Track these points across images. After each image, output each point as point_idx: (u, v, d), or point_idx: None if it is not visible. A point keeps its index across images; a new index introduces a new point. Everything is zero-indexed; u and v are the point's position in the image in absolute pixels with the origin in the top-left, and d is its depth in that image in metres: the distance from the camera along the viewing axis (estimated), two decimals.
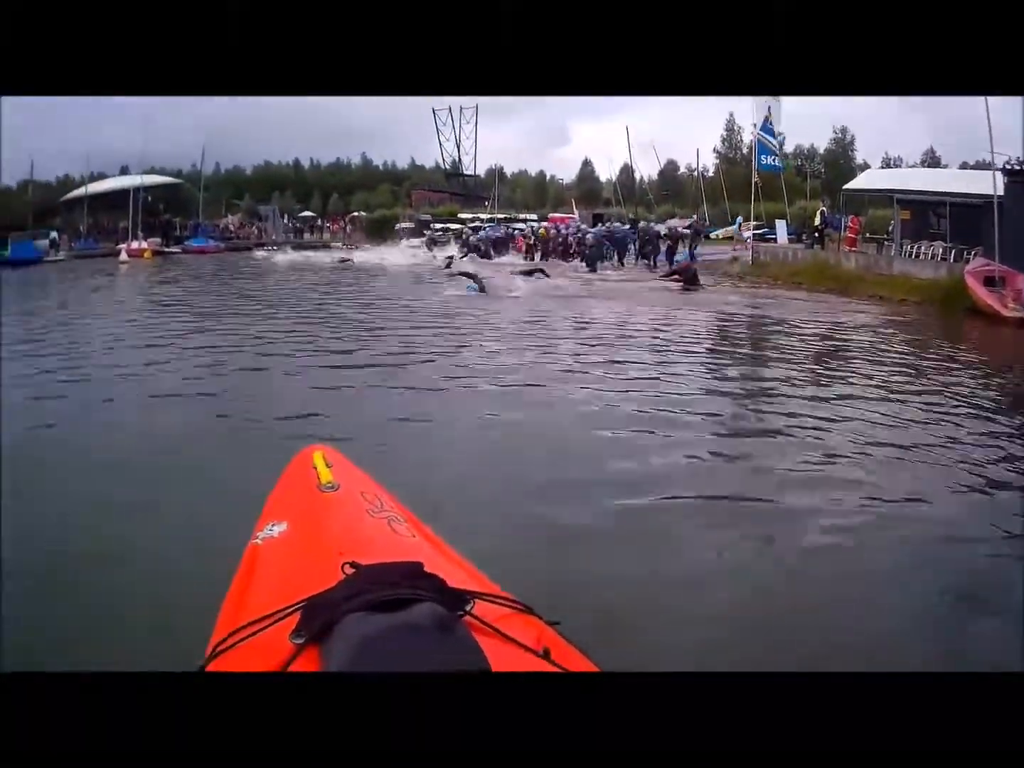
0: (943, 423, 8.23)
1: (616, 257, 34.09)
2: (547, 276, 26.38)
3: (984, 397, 9.82)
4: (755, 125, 32.54)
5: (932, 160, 56.33)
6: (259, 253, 40.57)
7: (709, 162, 67.47)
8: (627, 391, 9.50)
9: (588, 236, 34.29)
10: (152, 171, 51.51)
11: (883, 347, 13.73)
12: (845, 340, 14.51)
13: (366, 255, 38.34)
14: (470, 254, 37.34)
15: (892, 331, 15.81)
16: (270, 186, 70.39)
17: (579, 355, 12.07)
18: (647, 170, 70.73)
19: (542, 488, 5.91)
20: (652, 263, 32.26)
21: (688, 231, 35.86)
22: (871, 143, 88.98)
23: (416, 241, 45.03)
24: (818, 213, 31.57)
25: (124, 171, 55.81)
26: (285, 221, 57.48)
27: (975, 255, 21.20)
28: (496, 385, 9.77)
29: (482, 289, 20.95)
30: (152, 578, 4.31)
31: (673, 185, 68.46)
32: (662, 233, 34.80)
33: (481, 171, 71.29)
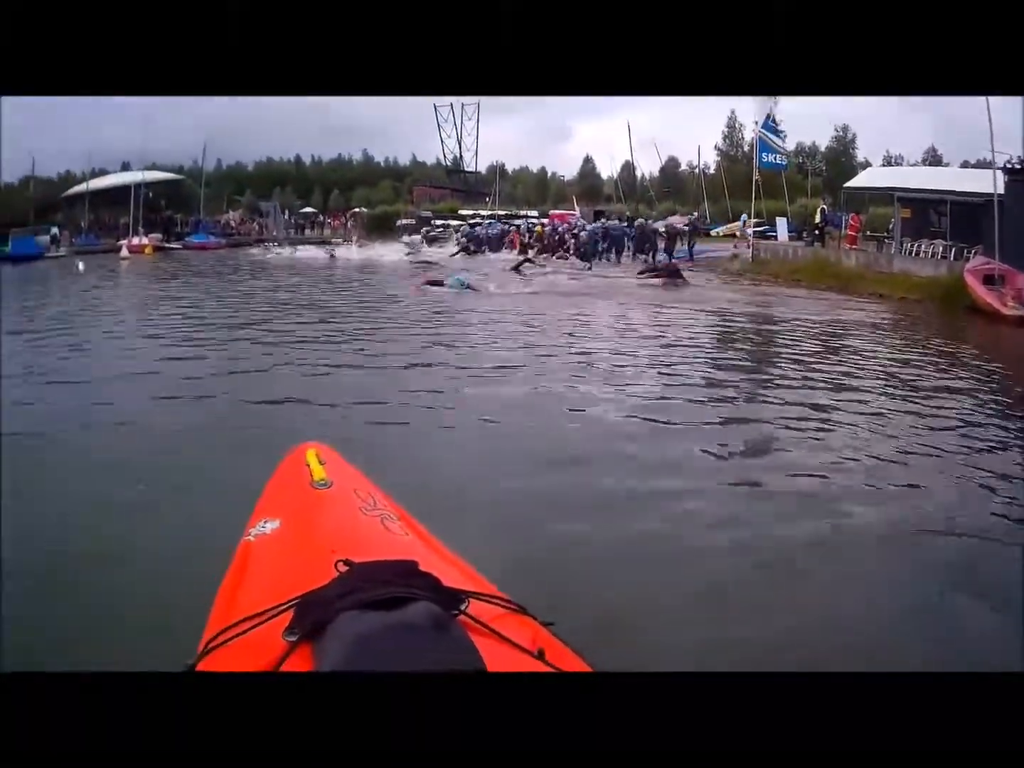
0: (943, 421, 8.25)
1: (614, 254, 34.13)
2: (534, 263, 26.61)
3: (984, 394, 9.85)
4: (756, 123, 32.59)
5: (933, 159, 56.33)
6: (253, 251, 40.49)
7: (710, 159, 67.51)
8: (622, 388, 9.51)
9: (582, 234, 34.34)
10: (153, 167, 51.52)
11: (882, 345, 13.74)
12: (844, 338, 14.51)
13: (352, 252, 38.52)
14: (462, 251, 37.83)
15: (891, 329, 15.84)
16: (271, 182, 70.34)
17: (574, 352, 12.10)
18: (648, 167, 70.92)
19: (537, 487, 5.90)
20: (652, 260, 32.23)
21: (687, 228, 35.95)
22: (872, 141, 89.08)
23: (416, 237, 45.03)
24: (819, 211, 31.62)
25: (125, 167, 55.76)
26: (286, 217, 57.45)
27: (975, 253, 21.23)
28: (480, 380, 9.84)
29: (470, 286, 20.97)
30: (143, 575, 4.30)
31: (674, 182, 68.36)
32: (660, 230, 34.84)
33: (482, 167, 71.51)
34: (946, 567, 4.82)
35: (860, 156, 63.59)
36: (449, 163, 71.73)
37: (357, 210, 61.89)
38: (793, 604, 4.35)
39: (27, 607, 3.95)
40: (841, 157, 64.08)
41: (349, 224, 57.24)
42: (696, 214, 45.00)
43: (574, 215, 49.15)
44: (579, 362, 11.21)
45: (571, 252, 33.94)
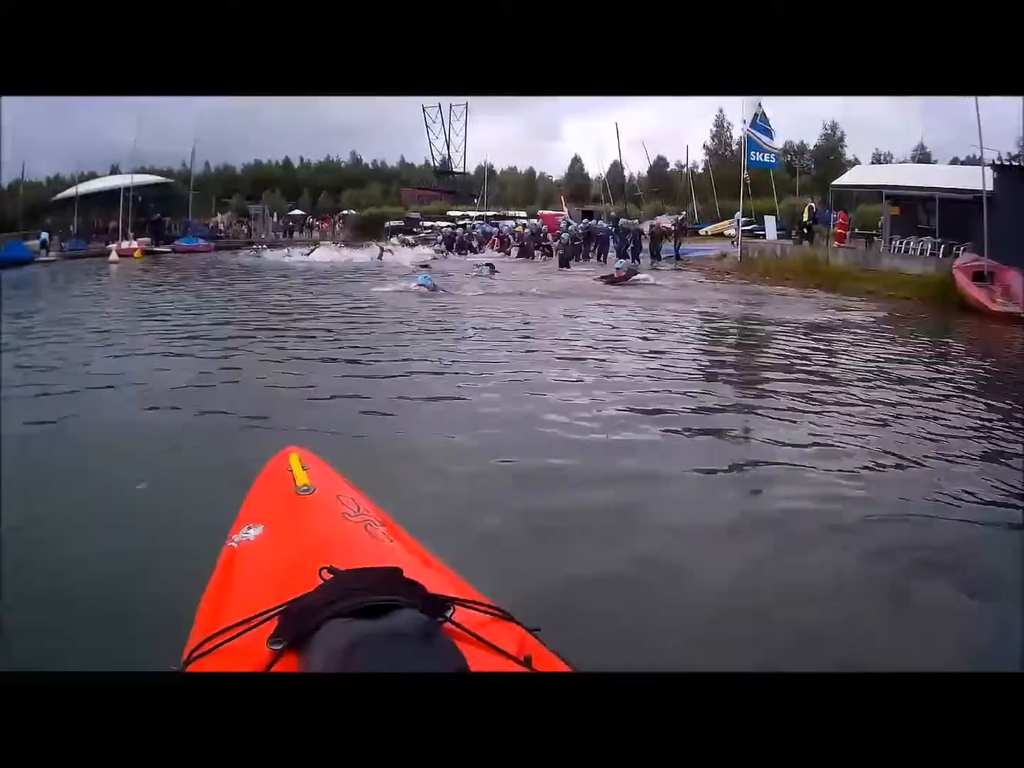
0: (935, 417, 8.26)
1: (598, 254, 34.25)
2: (496, 270, 27.24)
3: (973, 390, 9.88)
4: (744, 122, 32.59)
5: (922, 156, 56.39)
6: (241, 253, 40.40)
7: (699, 158, 67.62)
8: (610, 390, 9.47)
9: (563, 235, 34.48)
10: (142, 170, 51.35)
11: (870, 342, 13.75)
12: (832, 335, 14.53)
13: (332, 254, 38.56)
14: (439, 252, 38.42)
15: (880, 326, 15.85)
16: (260, 185, 70.18)
17: (552, 353, 12.08)
18: (637, 167, 70.79)
19: (521, 492, 5.89)
20: (635, 260, 32.45)
21: (673, 228, 36.05)
22: (861, 139, 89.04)
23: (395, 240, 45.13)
24: (807, 209, 31.67)
25: (114, 170, 55.56)
26: (275, 220, 57.34)
27: (964, 250, 21.29)
28: (460, 381, 9.80)
29: (434, 287, 21.08)
30: (126, 582, 4.25)
31: (663, 182, 68.40)
32: (645, 231, 34.93)
33: (471, 168, 71.45)
34: (941, 564, 4.82)
35: (849, 154, 63.71)
36: (437, 164, 71.70)
37: (345, 212, 61.85)
38: (785, 605, 4.34)
39: (20, 609, 3.94)
40: (830, 155, 64.16)
41: (337, 227, 57.17)
42: (684, 213, 45.01)
43: (562, 215, 49.15)
44: (565, 363, 11.19)
45: (553, 253, 34.07)
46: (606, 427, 7.69)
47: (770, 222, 35.04)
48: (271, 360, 11.24)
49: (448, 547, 2.62)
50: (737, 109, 35.30)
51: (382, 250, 38.25)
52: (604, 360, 11.45)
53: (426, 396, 8.95)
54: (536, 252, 36.12)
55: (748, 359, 12.55)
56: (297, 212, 62.85)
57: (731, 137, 62.76)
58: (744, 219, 34.58)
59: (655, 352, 12.17)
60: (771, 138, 32.65)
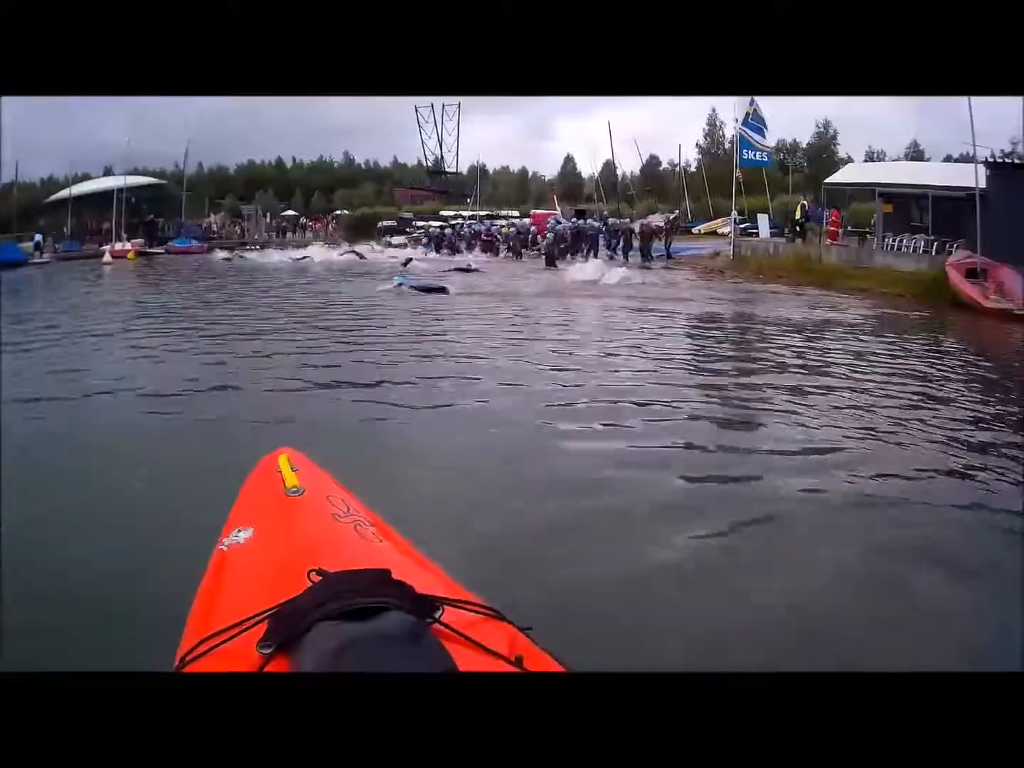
0: (928, 414, 8.26)
1: (587, 253, 34.41)
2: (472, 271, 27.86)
3: (966, 386, 9.90)
4: (736, 120, 32.62)
5: (916, 154, 56.44)
6: (220, 254, 40.23)
7: (692, 157, 67.65)
8: (600, 387, 9.52)
9: (549, 234, 34.64)
10: (135, 171, 51.34)
11: (863, 339, 13.79)
12: (825, 333, 14.56)
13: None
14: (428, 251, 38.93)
15: (873, 324, 15.88)
16: (253, 185, 70.08)
17: (541, 352, 12.13)
18: (629, 166, 70.88)
19: (512, 489, 5.90)
20: (625, 258, 33.04)
21: (664, 227, 36.13)
22: (854, 137, 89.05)
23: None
24: (799, 207, 31.71)
25: (108, 172, 55.51)
26: (267, 220, 57.31)
27: (957, 248, 21.33)
28: (450, 381, 9.80)
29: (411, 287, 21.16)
30: (118, 584, 4.26)
31: (655, 180, 68.42)
32: (636, 230, 35.03)
33: (464, 168, 71.41)
34: (936, 563, 4.82)
35: (842, 152, 63.77)
36: (430, 164, 71.71)
37: (338, 213, 61.85)
38: (780, 604, 4.34)
39: (20, 609, 3.93)
40: (823, 153, 64.22)
41: (330, 227, 57.16)
42: (677, 212, 45.06)
43: (555, 215, 49.18)
44: (555, 360, 11.25)
45: (541, 251, 34.22)
46: (598, 423, 7.71)
47: (763, 220, 35.04)
48: (259, 355, 11.31)
49: (440, 547, 2.62)
50: (730, 108, 35.38)
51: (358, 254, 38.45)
52: (595, 357, 11.51)
53: (417, 395, 8.97)
54: (523, 251, 36.23)
55: (740, 357, 12.54)
56: (290, 212, 62.79)
57: (724, 136, 62.97)
58: (729, 217, 34.65)
59: (646, 353, 12.19)
60: (763, 136, 32.72)
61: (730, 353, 12.87)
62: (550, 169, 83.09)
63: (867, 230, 29.77)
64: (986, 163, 20.77)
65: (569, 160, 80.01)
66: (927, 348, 12.97)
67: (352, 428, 7.55)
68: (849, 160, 52.98)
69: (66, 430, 7.47)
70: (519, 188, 78.38)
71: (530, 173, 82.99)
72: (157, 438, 7.17)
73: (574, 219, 40.66)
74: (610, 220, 39.26)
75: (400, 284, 21.08)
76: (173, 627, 2.03)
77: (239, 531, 2.31)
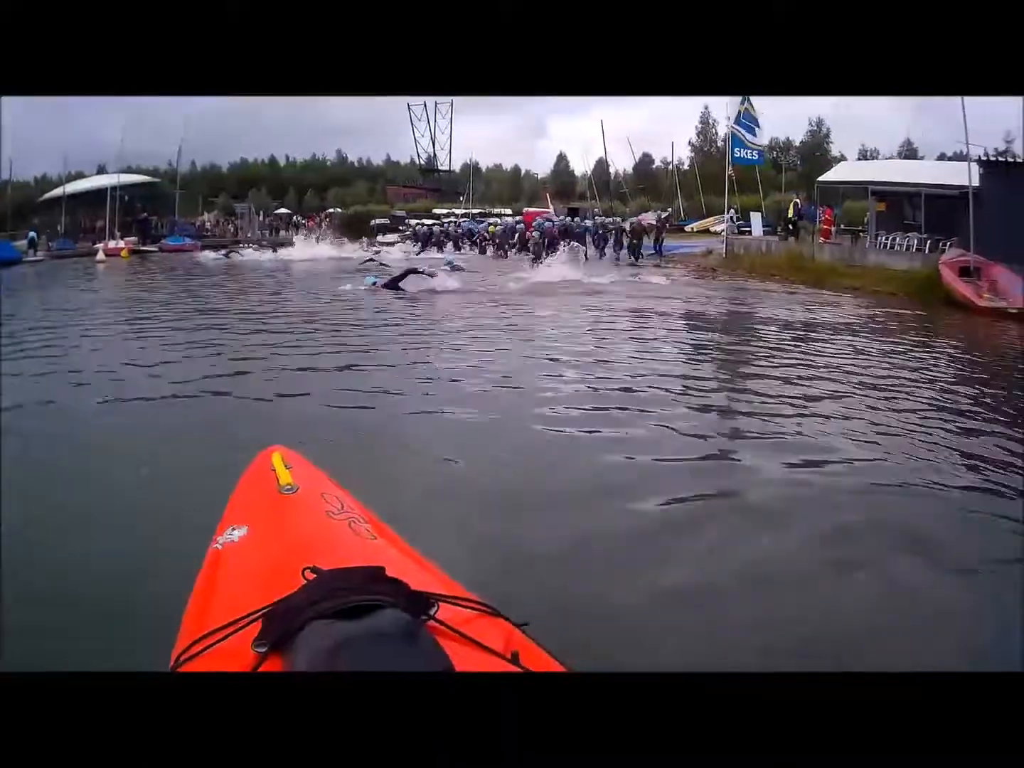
0: (924, 412, 8.29)
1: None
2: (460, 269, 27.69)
3: (960, 384, 9.92)
4: (729, 118, 32.64)
5: (909, 152, 56.50)
6: (209, 254, 39.94)
7: (684, 155, 67.62)
8: (587, 385, 9.56)
9: (534, 233, 34.72)
10: (129, 170, 51.23)
11: (855, 337, 13.79)
12: (817, 330, 14.56)
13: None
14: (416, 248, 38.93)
15: (866, 321, 15.90)
16: (246, 184, 69.94)
17: (534, 351, 12.10)
18: (622, 164, 70.89)
19: (507, 485, 5.94)
20: (616, 257, 33.30)
21: (655, 225, 36.20)
22: (847, 135, 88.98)
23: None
24: (792, 205, 31.73)
25: (101, 170, 55.34)
26: (261, 218, 57.24)
27: (950, 246, 21.36)
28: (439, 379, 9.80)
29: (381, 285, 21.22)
30: (112, 583, 4.27)
31: (648, 179, 68.45)
32: (626, 228, 35.10)
33: (456, 166, 71.35)
34: (934, 562, 4.83)
35: (835, 150, 63.75)
36: (423, 162, 71.64)
37: (331, 211, 61.79)
38: (790, 601, 4.35)
39: (20, 609, 3.92)
40: (816, 151, 64.20)
41: (323, 225, 57.11)
42: (671, 210, 45.11)
43: (548, 212, 49.16)
44: (547, 360, 11.24)
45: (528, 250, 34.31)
46: (588, 420, 7.74)
47: (756, 218, 35.06)
48: (255, 356, 11.27)
49: (437, 544, 2.62)
50: (723, 106, 35.42)
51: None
52: (589, 354, 11.51)
53: (410, 393, 9.02)
54: (510, 249, 36.36)
55: (732, 355, 12.56)
56: (283, 211, 62.69)
57: (716, 134, 62.85)
58: (729, 216, 34.66)
59: (639, 350, 12.21)
60: (755, 135, 32.70)
61: (721, 350, 12.88)
62: (543, 167, 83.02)
63: (860, 228, 29.81)
64: (979, 161, 20.79)
65: (562, 158, 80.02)
66: (919, 346, 12.99)
67: (345, 426, 7.53)
68: (842, 158, 53.02)
69: (64, 430, 7.45)
70: (512, 186, 78.31)
71: (523, 171, 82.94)
72: (156, 437, 7.15)
73: (561, 217, 40.80)
74: (597, 218, 39.33)
75: (374, 283, 21.07)
76: (172, 627, 2.03)
77: (233, 529, 2.31)
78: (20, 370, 10.32)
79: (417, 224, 47.03)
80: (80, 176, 54.43)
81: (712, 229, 42.41)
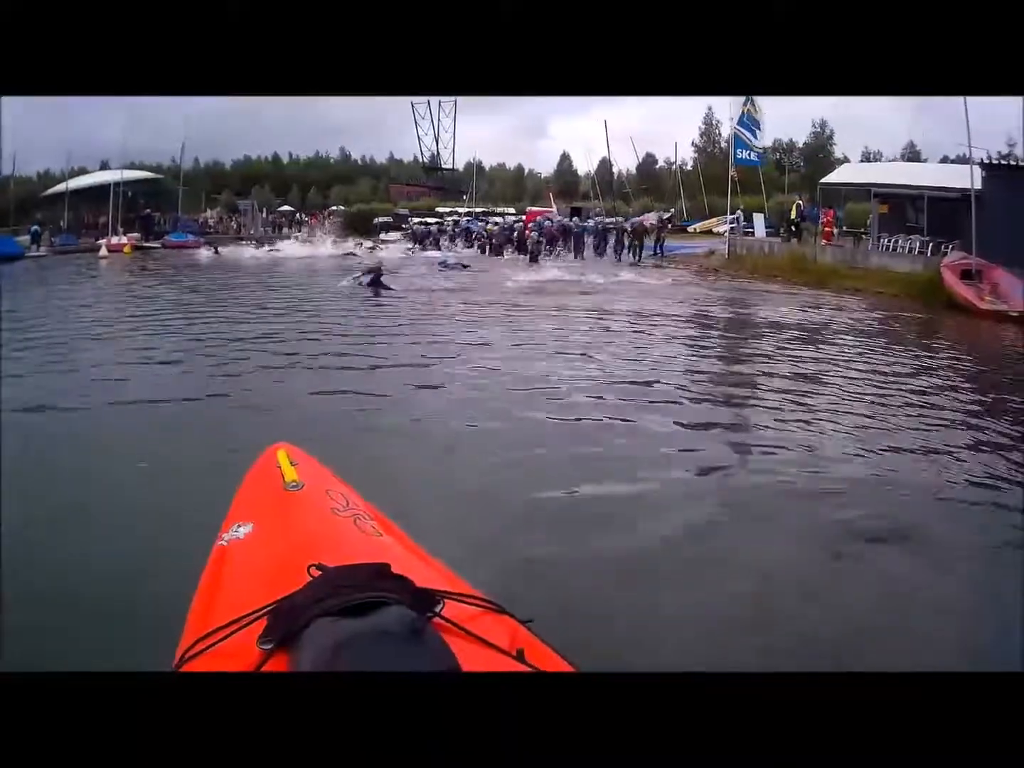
0: (922, 415, 8.30)
1: (574, 250, 34.79)
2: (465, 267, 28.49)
3: (960, 385, 9.96)
4: (732, 119, 32.62)
5: (912, 154, 56.42)
6: (203, 251, 39.82)
7: (688, 155, 67.57)
8: (604, 382, 9.57)
9: (533, 232, 34.87)
10: (132, 166, 51.21)
11: (856, 338, 13.81)
12: (819, 332, 14.57)
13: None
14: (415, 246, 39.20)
15: (866, 323, 15.89)
16: (249, 181, 69.90)
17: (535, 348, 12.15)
18: (625, 164, 70.80)
19: (512, 483, 5.93)
20: (617, 257, 33.46)
21: (656, 225, 36.20)
22: (851, 137, 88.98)
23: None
24: (794, 207, 31.69)
25: (104, 166, 55.28)
26: (264, 216, 57.21)
27: (952, 249, 21.35)
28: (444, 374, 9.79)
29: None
30: (119, 581, 4.28)
31: (651, 179, 68.41)
32: (627, 229, 35.12)
33: (460, 165, 71.32)
34: (933, 562, 4.84)
35: (838, 152, 63.69)
36: (426, 161, 71.55)
37: (334, 209, 61.79)
38: (790, 601, 4.35)
39: (20, 609, 3.92)
40: (819, 153, 64.16)
41: (327, 222, 57.10)
42: (673, 210, 45.07)
43: (551, 212, 49.12)
44: (553, 355, 11.26)
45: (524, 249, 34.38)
46: (585, 418, 7.74)
47: (758, 219, 35.02)
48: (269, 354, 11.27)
49: (441, 540, 2.62)
50: (726, 106, 35.37)
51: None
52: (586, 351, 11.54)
53: (413, 390, 9.05)
54: (508, 249, 36.42)
55: (733, 354, 12.56)
56: (286, 208, 62.66)
57: (720, 134, 62.81)
58: (732, 217, 34.62)
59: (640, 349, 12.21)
60: (756, 136, 32.68)
61: (721, 351, 12.90)
62: (546, 166, 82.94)
63: (862, 230, 29.80)
64: (982, 164, 20.81)
65: (565, 158, 79.88)
66: (921, 348, 12.98)
67: (350, 424, 7.56)
68: (845, 160, 53.02)
69: (65, 429, 7.45)
70: (515, 185, 78.28)
71: (526, 170, 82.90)
72: (156, 437, 7.15)
73: (560, 218, 40.85)
74: (596, 218, 39.37)
75: (357, 277, 21.29)
76: (172, 626, 2.03)
77: (239, 526, 2.31)
78: (21, 369, 10.30)
79: (417, 223, 47.02)
80: (83, 172, 54.36)
81: (715, 230, 42.41)
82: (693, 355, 12.11)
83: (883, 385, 9.80)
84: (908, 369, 10.91)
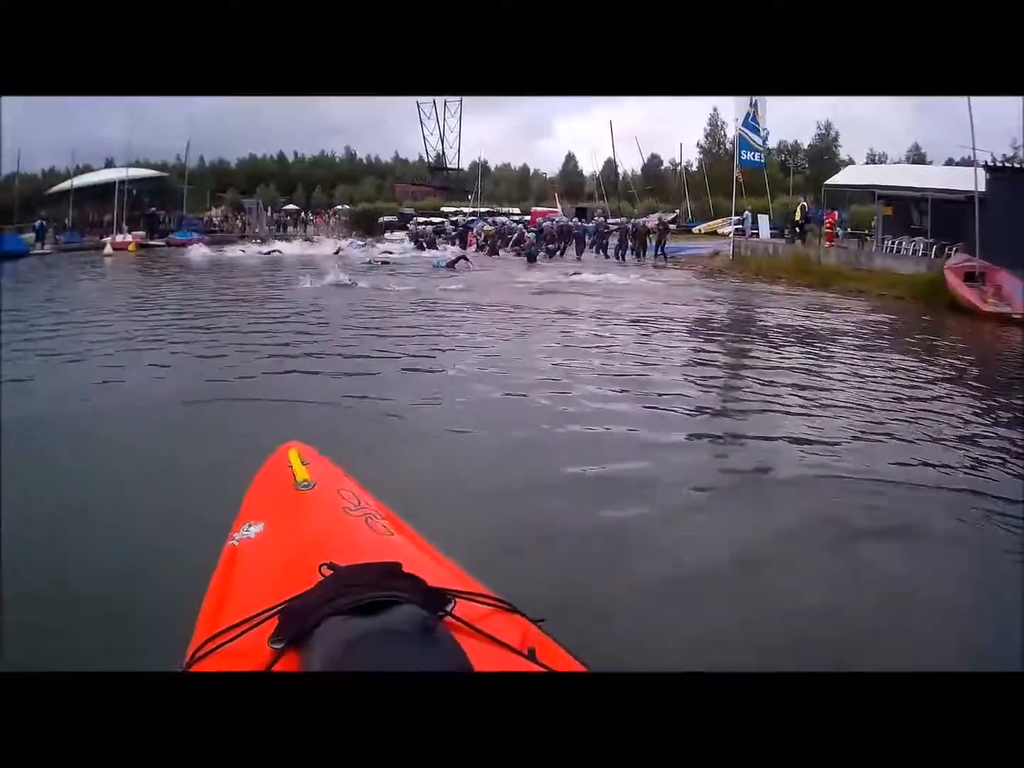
0: (923, 416, 8.29)
1: (576, 250, 34.85)
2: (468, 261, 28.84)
3: (961, 388, 9.94)
4: (737, 120, 32.62)
5: (917, 156, 56.41)
6: (201, 249, 39.81)
7: (693, 157, 67.61)
8: (613, 387, 9.54)
9: (529, 234, 35.18)
10: (137, 164, 51.17)
11: (860, 340, 13.80)
12: (821, 333, 14.54)
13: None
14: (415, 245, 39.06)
15: (869, 325, 15.88)
16: (254, 179, 69.96)
17: (548, 350, 12.13)
18: (631, 164, 70.86)
19: (524, 483, 5.93)
20: (620, 258, 33.60)
21: (658, 227, 36.24)
22: (856, 139, 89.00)
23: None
24: (799, 208, 31.68)
25: (109, 164, 55.31)
26: (269, 214, 57.24)
27: (956, 251, 21.33)
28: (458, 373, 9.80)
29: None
30: (130, 580, 4.28)
31: (656, 179, 68.45)
32: (629, 230, 35.18)
33: (465, 164, 71.37)
34: (935, 563, 4.85)
35: (843, 154, 63.73)
36: (431, 160, 71.57)
37: (338, 208, 61.83)
38: (791, 601, 4.35)
39: (20, 609, 3.92)
40: (824, 155, 64.19)
41: (331, 222, 57.09)
42: (678, 212, 45.07)
43: (556, 212, 49.15)
44: (560, 358, 11.25)
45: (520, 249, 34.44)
46: (589, 422, 7.72)
47: (763, 221, 35.03)
48: (249, 346, 11.29)
49: (452, 540, 2.62)
50: (731, 108, 35.38)
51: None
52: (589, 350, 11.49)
53: (422, 390, 9.03)
54: (502, 249, 36.50)
55: (736, 354, 12.55)
56: (291, 207, 62.69)
57: (725, 136, 62.80)
58: (737, 218, 34.64)
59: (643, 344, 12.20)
60: (760, 137, 32.68)
61: (723, 351, 12.88)
62: (551, 167, 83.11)
63: (867, 232, 29.79)
64: (986, 167, 20.79)
65: (571, 158, 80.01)
66: (923, 349, 12.98)
67: (360, 423, 7.57)
68: (850, 162, 53.03)
69: (66, 428, 7.45)
70: (520, 185, 78.36)
71: (531, 170, 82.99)
72: (157, 436, 7.15)
73: (563, 218, 40.92)
74: (597, 219, 39.45)
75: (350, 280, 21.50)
76: (172, 626, 2.04)
77: (250, 525, 2.31)
78: (22, 369, 10.32)
79: (421, 223, 47.01)
80: (88, 170, 54.40)
81: (719, 231, 42.44)
82: (693, 355, 12.14)
83: (885, 386, 9.79)
84: (910, 370, 10.89)
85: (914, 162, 49.82)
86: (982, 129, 20.22)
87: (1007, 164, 20.95)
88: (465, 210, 55.95)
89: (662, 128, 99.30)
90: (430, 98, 65.93)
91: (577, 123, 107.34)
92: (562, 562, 4.63)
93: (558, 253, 34.37)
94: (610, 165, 64.68)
